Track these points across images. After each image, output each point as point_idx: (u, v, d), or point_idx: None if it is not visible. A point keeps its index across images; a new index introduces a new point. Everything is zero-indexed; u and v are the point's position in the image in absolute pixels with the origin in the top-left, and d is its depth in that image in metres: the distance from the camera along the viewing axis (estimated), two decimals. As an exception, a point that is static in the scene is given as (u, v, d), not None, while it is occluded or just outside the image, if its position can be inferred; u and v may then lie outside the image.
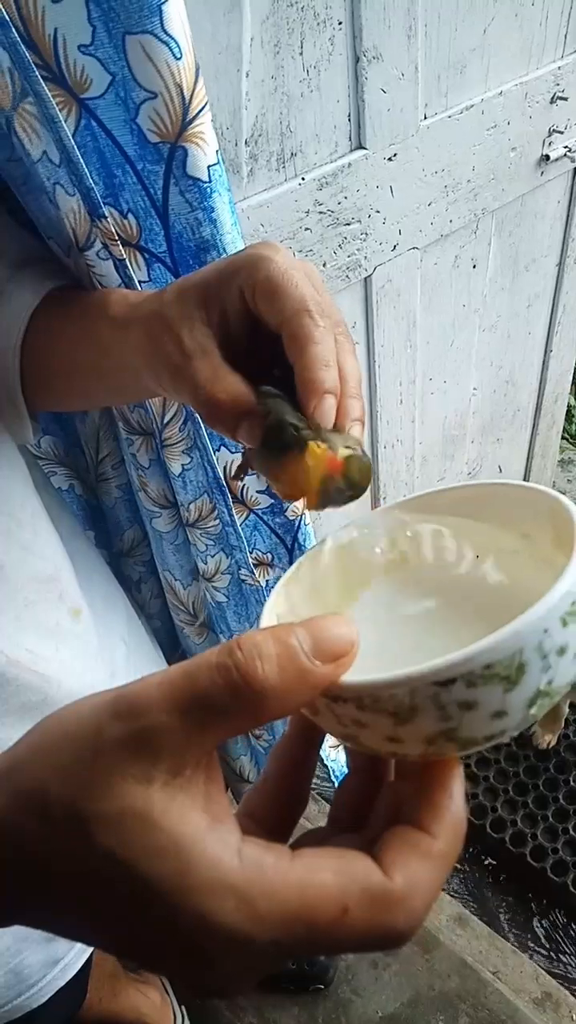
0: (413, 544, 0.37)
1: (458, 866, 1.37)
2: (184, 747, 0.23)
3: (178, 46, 0.42)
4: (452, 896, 1.31)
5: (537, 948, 1.27)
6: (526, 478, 1.66)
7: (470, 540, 0.35)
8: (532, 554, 0.33)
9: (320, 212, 0.89)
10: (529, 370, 1.44)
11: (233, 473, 0.60)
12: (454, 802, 0.26)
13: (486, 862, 1.36)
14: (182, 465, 0.62)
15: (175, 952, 0.23)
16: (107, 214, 0.46)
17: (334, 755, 0.93)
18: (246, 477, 0.64)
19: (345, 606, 0.36)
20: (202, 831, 0.23)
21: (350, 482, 0.35)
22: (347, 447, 0.35)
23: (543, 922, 1.29)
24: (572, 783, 1.38)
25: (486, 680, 0.24)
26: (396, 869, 0.24)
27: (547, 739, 1.41)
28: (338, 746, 0.92)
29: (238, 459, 0.63)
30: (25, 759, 0.24)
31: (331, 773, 0.94)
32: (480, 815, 1.36)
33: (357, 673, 0.25)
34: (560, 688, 0.25)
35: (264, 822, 0.26)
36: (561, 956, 1.26)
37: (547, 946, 1.27)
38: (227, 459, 0.62)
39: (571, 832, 1.31)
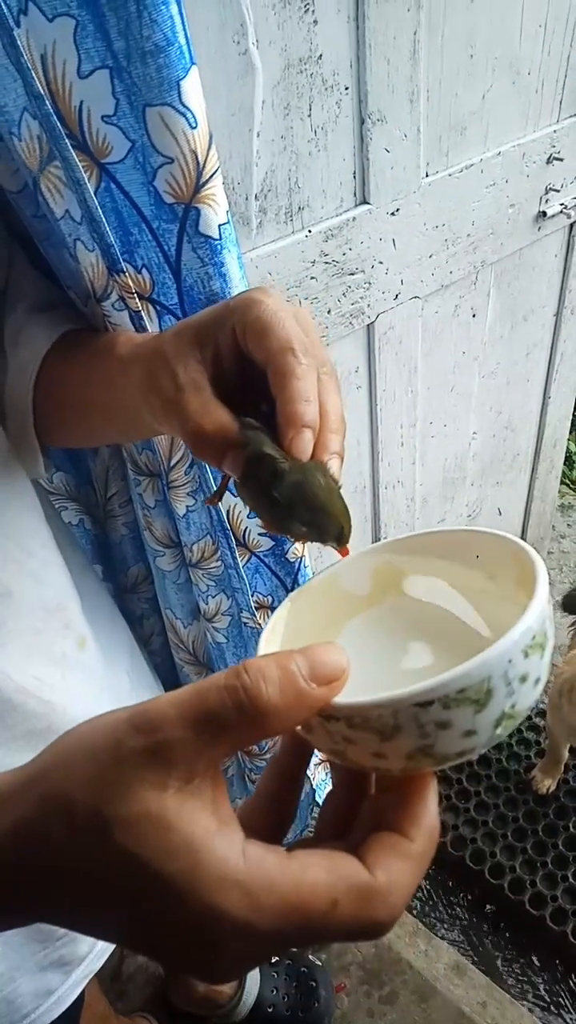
0: (394, 581, 0.40)
1: (456, 912, 1.35)
2: (195, 758, 0.25)
3: (194, 117, 0.46)
4: (450, 944, 1.29)
5: (536, 1000, 1.24)
6: (525, 521, 1.68)
7: (444, 579, 0.39)
8: (498, 593, 0.36)
9: (325, 262, 0.92)
10: (528, 416, 1.47)
11: (208, 498, 0.63)
12: (429, 810, 0.29)
13: (485, 909, 1.34)
14: (187, 507, 0.64)
15: (185, 940, 0.25)
16: (124, 269, 0.49)
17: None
18: (247, 519, 0.66)
19: (333, 636, 0.40)
20: (211, 832, 0.25)
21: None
22: (320, 478, 0.37)
23: (542, 973, 1.27)
24: (572, 829, 1.36)
25: (459, 703, 0.27)
26: (379, 868, 0.27)
27: (547, 784, 1.40)
28: (320, 762, 0.94)
29: (238, 500, 0.65)
30: (49, 768, 0.27)
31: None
32: (479, 860, 1.35)
33: (346, 696, 0.28)
34: (522, 711, 0.29)
35: (258, 832, 0.28)
36: (561, 1011, 1.23)
37: (547, 999, 1.24)
38: (231, 502, 0.64)
39: (570, 880, 1.30)
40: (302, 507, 0.37)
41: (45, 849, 0.25)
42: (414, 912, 1.34)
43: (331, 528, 0.38)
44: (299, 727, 0.30)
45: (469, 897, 1.36)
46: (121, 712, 0.27)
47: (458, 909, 1.35)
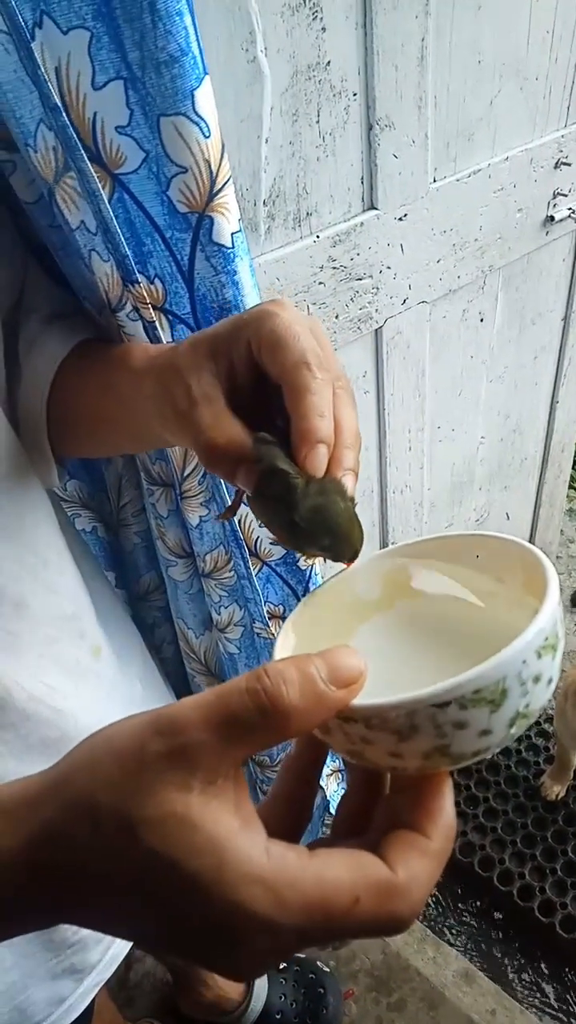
0: (404, 585, 0.41)
1: (465, 919, 1.34)
2: (217, 760, 0.26)
3: (207, 126, 0.46)
4: (459, 951, 1.28)
5: (547, 1008, 1.23)
6: (533, 526, 1.68)
7: (454, 582, 0.39)
8: (507, 596, 0.36)
9: (333, 267, 0.92)
10: (536, 420, 1.47)
11: (220, 513, 0.62)
12: (446, 809, 0.29)
13: (494, 916, 1.34)
14: (200, 517, 0.64)
15: (210, 937, 0.26)
16: (138, 279, 0.49)
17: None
18: (259, 528, 0.66)
19: (346, 640, 0.40)
20: (234, 831, 0.26)
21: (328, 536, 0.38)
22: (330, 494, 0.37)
23: (552, 980, 1.26)
24: (581, 835, 1.36)
25: (475, 703, 0.28)
26: (398, 865, 0.27)
27: (556, 791, 1.40)
28: (332, 773, 0.93)
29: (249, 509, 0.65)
30: (74, 771, 0.27)
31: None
32: (487, 867, 1.34)
33: (361, 698, 0.29)
34: (535, 711, 0.30)
35: (274, 833, 0.28)
36: (572, 1019, 1.22)
37: (556, 1006, 1.24)
38: (242, 511, 0.64)
39: (580, 886, 1.29)
40: (323, 533, 0.37)
41: (71, 851, 0.26)
42: (422, 919, 1.34)
43: (347, 553, 0.38)
44: (317, 729, 0.31)
45: (478, 904, 1.35)
46: (144, 716, 0.27)
47: (467, 916, 1.35)
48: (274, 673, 0.26)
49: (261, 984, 1.19)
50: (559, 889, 1.30)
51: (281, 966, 1.23)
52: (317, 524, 0.37)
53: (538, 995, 1.25)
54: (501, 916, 1.33)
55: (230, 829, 0.25)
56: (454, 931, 1.33)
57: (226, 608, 0.71)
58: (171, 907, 0.25)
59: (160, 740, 0.26)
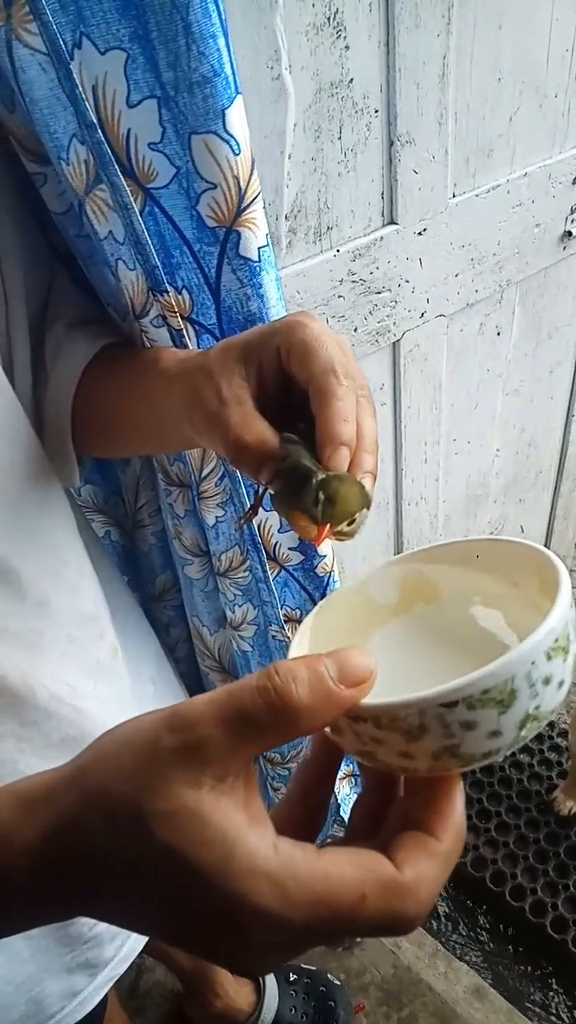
0: (421, 590, 0.41)
1: (476, 935, 1.33)
2: (228, 757, 0.26)
3: (237, 144, 0.47)
4: (470, 966, 1.27)
5: (558, 1026, 1.22)
6: (548, 539, 1.67)
7: (469, 587, 0.39)
8: (521, 600, 0.36)
9: (353, 281, 0.93)
10: (551, 433, 1.47)
11: (243, 515, 0.63)
12: (456, 810, 0.30)
13: (506, 931, 1.33)
14: (216, 517, 0.65)
15: (216, 930, 0.26)
16: (167, 289, 0.50)
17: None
18: (278, 532, 0.67)
19: (361, 644, 0.40)
20: (243, 827, 0.26)
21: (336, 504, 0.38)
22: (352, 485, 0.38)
23: (564, 998, 1.25)
24: (594, 852, 1.34)
25: (483, 703, 0.28)
26: (406, 864, 0.27)
27: (568, 806, 1.39)
28: (345, 776, 0.93)
29: (270, 514, 0.65)
30: (92, 764, 0.28)
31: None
32: (499, 882, 1.33)
33: (374, 698, 0.29)
34: (546, 713, 0.29)
35: (290, 834, 0.29)
36: (583, 1037, 1.21)
37: (568, 1025, 1.22)
38: (262, 517, 0.65)
39: (593, 903, 1.28)
40: (323, 480, 0.38)
41: (86, 841, 0.26)
42: (433, 933, 1.33)
43: (338, 511, 0.37)
44: (328, 729, 0.31)
45: (490, 919, 1.34)
46: (161, 711, 0.28)
47: (478, 931, 1.34)
48: (284, 671, 0.27)
49: (271, 996, 1.19)
50: (571, 905, 1.28)
51: (291, 978, 1.22)
52: (320, 476, 0.38)
53: (550, 1013, 1.23)
54: (513, 932, 1.32)
55: (239, 825, 0.26)
56: (465, 946, 1.32)
57: (240, 607, 0.72)
58: (179, 899, 0.26)
59: (173, 736, 0.26)
